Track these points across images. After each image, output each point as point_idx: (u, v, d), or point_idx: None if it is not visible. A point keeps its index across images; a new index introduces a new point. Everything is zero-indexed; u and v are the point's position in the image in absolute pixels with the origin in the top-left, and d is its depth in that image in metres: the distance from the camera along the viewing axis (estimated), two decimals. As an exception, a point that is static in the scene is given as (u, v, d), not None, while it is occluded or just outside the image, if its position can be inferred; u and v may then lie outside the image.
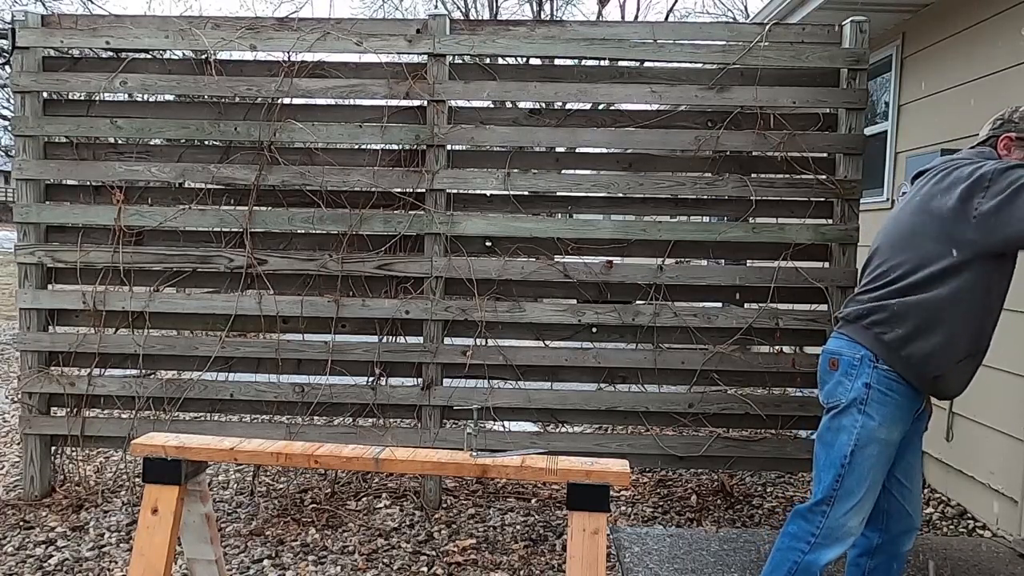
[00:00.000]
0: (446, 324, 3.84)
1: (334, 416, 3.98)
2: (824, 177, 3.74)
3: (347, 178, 3.83)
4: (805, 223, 3.78)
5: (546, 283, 3.85)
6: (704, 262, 4.34)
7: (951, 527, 3.91)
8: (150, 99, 5.47)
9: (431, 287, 3.81)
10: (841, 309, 2.46)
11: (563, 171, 3.96)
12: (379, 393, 3.85)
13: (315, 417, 3.90)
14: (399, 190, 3.85)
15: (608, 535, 3.47)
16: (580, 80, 3.83)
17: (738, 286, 3.83)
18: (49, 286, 3.96)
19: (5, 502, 3.91)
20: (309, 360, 3.88)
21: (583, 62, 3.96)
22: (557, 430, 4.42)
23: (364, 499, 4.03)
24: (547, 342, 3.87)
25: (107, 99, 4.01)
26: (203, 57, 3.87)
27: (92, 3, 11.60)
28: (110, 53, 3.95)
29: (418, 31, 3.79)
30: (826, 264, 3.79)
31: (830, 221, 3.78)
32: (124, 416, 4.11)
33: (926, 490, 4.36)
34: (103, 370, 3.93)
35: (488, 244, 3.84)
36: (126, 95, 5.00)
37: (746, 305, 3.98)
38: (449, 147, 3.83)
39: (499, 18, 22.14)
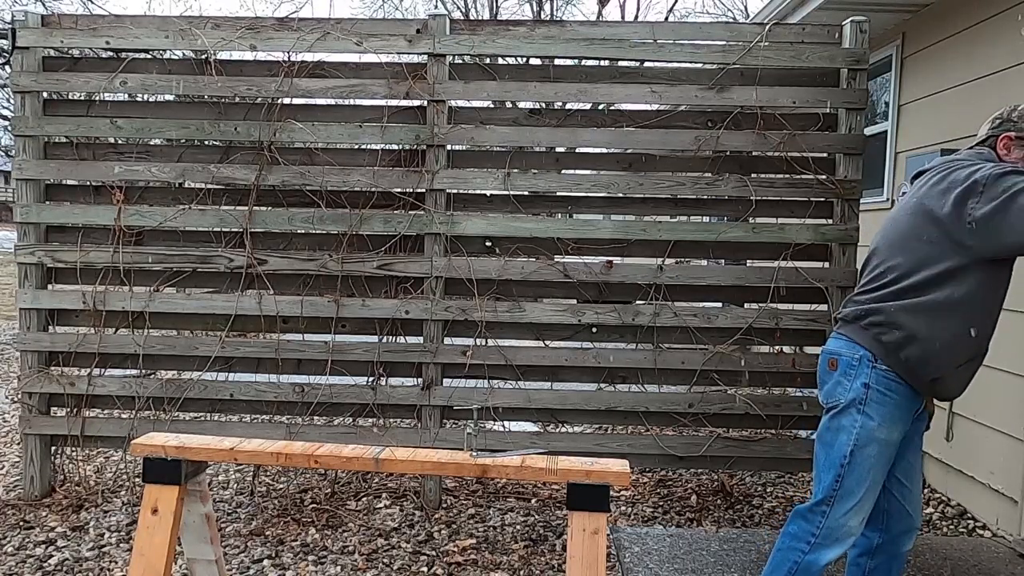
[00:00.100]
0: (446, 324, 3.84)
1: (334, 416, 3.98)
2: (824, 177, 3.74)
3: (347, 178, 3.83)
4: (805, 223, 3.78)
5: (546, 283, 3.85)
6: (704, 262, 4.33)
7: (951, 527, 3.91)
8: (150, 99, 5.47)
9: (431, 287, 3.81)
10: (840, 309, 2.46)
11: (563, 171, 3.96)
12: (379, 393, 3.85)
13: (315, 417, 3.90)
14: (399, 190, 3.85)
15: (608, 535, 3.47)
16: (580, 80, 3.83)
17: (738, 286, 3.83)
18: (49, 286, 3.96)
19: (5, 502, 3.91)
20: (309, 360, 3.88)
21: (583, 62, 3.96)
22: (557, 430, 4.43)
23: (364, 499, 4.03)
24: (547, 342, 3.87)
25: (107, 99, 4.00)
26: (203, 57, 3.87)
27: (92, 3, 11.61)
28: (110, 53, 3.96)
29: (418, 31, 3.79)
30: (826, 264, 3.79)
31: (830, 221, 3.78)
32: (124, 416, 4.11)
33: (926, 490, 4.36)
34: (103, 370, 3.94)
35: (488, 244, 3.84)
36: (126, 95, 5.00)
37: (746, 305, 3.98)
38: (449, 147, 3.83)
39: (499, 18, 22.14)
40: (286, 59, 3.80)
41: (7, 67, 8.84)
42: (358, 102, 3.97)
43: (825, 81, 3.77)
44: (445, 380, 3.88)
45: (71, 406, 3.91)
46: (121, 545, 3.47)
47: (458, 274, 3.79)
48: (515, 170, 3.82)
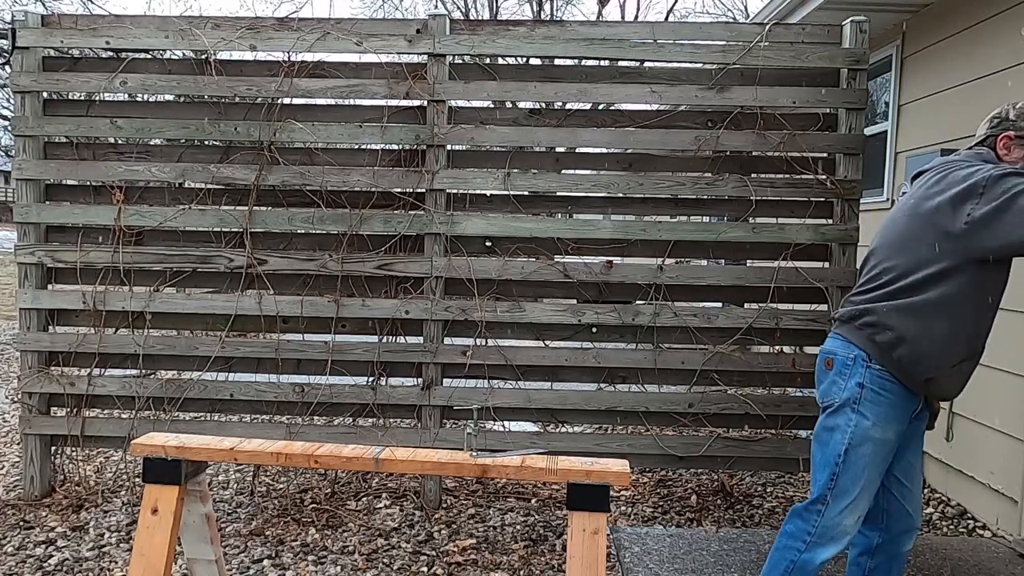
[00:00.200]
0: (446, 324, 3.84)
1: (334, 416, 3.98)
2: (824, 177, 3.74)
3: (347, 178, 3.83)
4: (805, 223, 3.78)
5: (546, 283, 3.85)
6: (704, 262, 4.34)
7: (951, 527, 3.91)
8: (150, 99, 5.47)
9: (431, 287, 3.81)
10: (837, 309, 2.46)
11: (563, 171, 3.96)
12: (379, 393, 3.85)
13: (315, 417, 3.90)
14: (399, 190, 3.85)
15: (608, 535, 3.47)
16: (580, 80, 3.83)
17: (738, 286, 3.83)
18: (49, 286, 3.96)
19: (5, 502, 3.91)
20: (309, 360, 3.88)
21: (583, 62, 3.96)
22: (557, 430, 4.42)
23: (364, 499, 4.03)
24: (547, 342, 3.87)
25: (107, 99, 4.01)
26: (203, 57, 3.87)
27: (92, 3, 11.61)
28: (110, 53, 3.96)
29: (418, 31, 3.79)
30: (826, 264, 3.79)
31: (830, 221, 3.78)
32: (124, 416, 4.11)
33: (926, 490, 4.36)
34: (103, 370, 3.94)
35: (488, 244, 3.84)
36: (126, 95, 5.00)
37: (746, 305, 3.98)
38: (449, 147, 3.83)
39: (499, 18, 22.14)
40: (286, 59, 3.80)
41: (7, 67, 8.84)
42: (358, 102, 3.97)
43: (825, 81, 3.77)
44: (445, 380, 3.88)
45: (71, 406, 3.91)
46: (121, 545, 3.47)
47: (458, 274, 3.79)
48: (515, 170, 3.82)
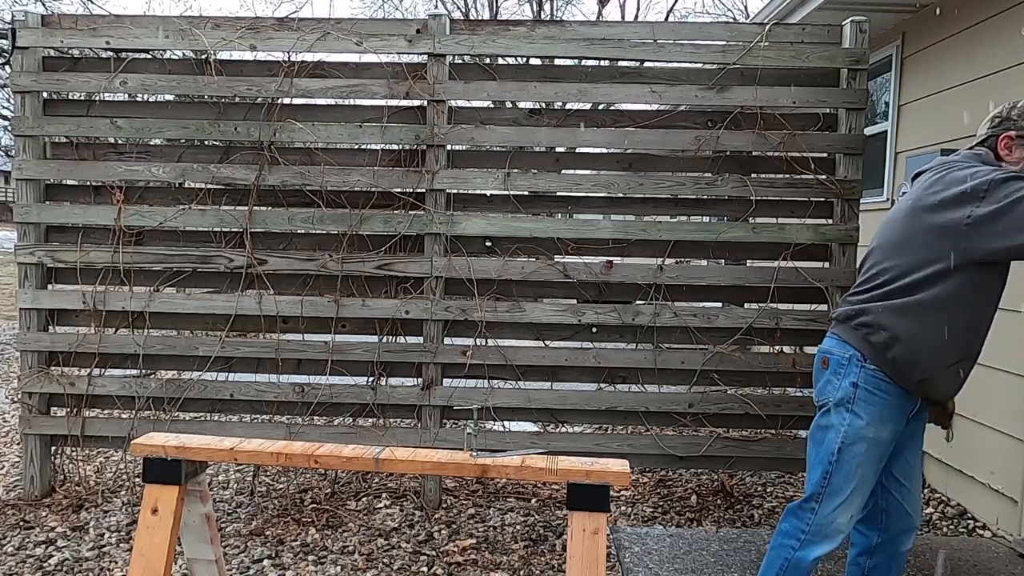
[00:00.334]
0: (446, 324, 3.84)
1: (334, 416, 3.98)
2: (824, 177, 3.74)
3: (347, 178, 3.83)
4: (805, 223, 3.78)
5: (546, 283, 3.85)
6: (704, 262, 4.34)
7: (951, 527, 3.91)
8: (150, 99, 5.46)
9: (431, 287, 3.81)
10: (835, 309, 2.46)
11: (563, 171, 3.96)
12: (379, 393, 3.85)
13: (315, 417, 3.90)
14: (399, 190, 3.85)
15: (608, 535, 3.47)
16: (580, 80, 3.83)
17: (738, 286, 3.83)
18: (49, 286, 3.96)
19: (5, 502, 3.91)
20: (309, 360, 3.88)
21: (583, 62, 3.96)
22: (557, 430, 4.43)
23: (364, 499, 4.03)
24: (547, 342, 3.87)
25: (107, 99, 4.01)
26: (203, 57, 3.87)
27: (92, 3, 11.60)
28: (110, 53, 3.95)
29: (418, 31, 3.79)
30: (826, 264, 3.79)
31: (830, 221, 3.78)
32: (124, 416, 4.10)
33: (926, 490, 4.36)
34: (103, 370, 3.94)
35: (488, 244, 3.84)
36: (126, 95, 5.00)
37: (746, 305, 3.98)
38: (449, 147, 3.83)
39: (499, 18, 22.14)
40: (286, 59, 3.80)
41: (7, 67, 8.84)
42: (358, 102, 3.97)
43: (825, 81, 3.77)
44: (445, 380, 3.88)
45: (71, 406, 3.91)
46: (121, 545, 3.47)
47: (458, 274, 3.79)
48: (515, 170, 3.82)
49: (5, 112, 13.25)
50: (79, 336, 3.89)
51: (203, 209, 3.88)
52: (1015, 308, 3.58)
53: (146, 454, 2.20)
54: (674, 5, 28.39)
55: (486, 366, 3.83)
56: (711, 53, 3.76)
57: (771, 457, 3.80)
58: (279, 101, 3.83)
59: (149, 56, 5.50)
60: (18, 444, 4.62)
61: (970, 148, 2.35)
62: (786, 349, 3.84)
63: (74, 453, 4.11)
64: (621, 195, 3.85)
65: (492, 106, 4.24)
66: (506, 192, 3.82)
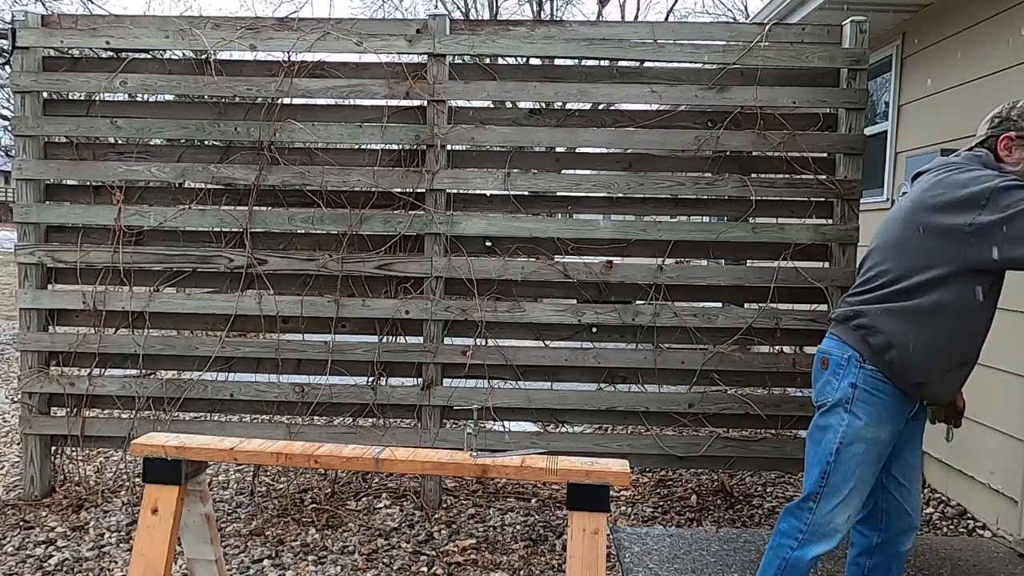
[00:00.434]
0: (446, 324, 3.84)
1: (334, 416, 3.98)
2: (824, 177, 3.74)
3: (347, 178, 3.83)
4: (805, 223, 3.78)
5: (546, 283, 3.85)
6: (704, 262, 4.34)
7: (951, 527, 3.91)
8: (150, 99, 5.47)
9: (431, 287, 3.81)
10: (834, 309, 2.46)
11: (563, 171, 3.96)
12: (379, 393, 3.85)
13: (315, 417, 3.90)
14: (399, 190, 3.85)
15: (608, 535, 3.47)
16: (580, 80, 3.83)
17: (738, 286, 3.83)
18: (49, 286, 3.96)
19: (5, 502, 3.91)
20: (309, 360, 3.88)
21: (583, 62, 3.96)
22: (557, 430, 4.43)
23: (364, 499, 4.03)
24: (547, 342, 3.87)
25: (107, 99, 4.00)
26: (203, 57, 3.87)
27: (92, 3, 11.60)
28: (110, 53, 3.96)
29: (418, 31, 3.79)
30: (826, 264, 3.79)
31: (830, 221, 3.78)
32: (124, 416, 4.11)
33: (926, 490, 4.36)
34: (103, 370, 3.94)
35: (488, 244, 3.84)
36: (126, 95, 5.00)
37: (746, 305, 3.98)
38: (449, 147, 3.83)
39: (499, 18, 22.14)
40: (286, 59, 3.80)
41: (7, 67, 8.84)
42: (358, 102, 3.97)
43: (825, 81, 3.77)
44: (445, 380, 3.88)
45: (71, 406, 3.91)
46: (121, 545, 3.47)
47: (458, 274, 3.79)
48: (515, 170, 3.82)
49: (5, 112, 13.25)
50: (79, 336, 3.89)
51: (203, 209, 3.88)
52: (1015, 308, 3.58)
53: (146, 454, 2.20)
54: (674, 5, 28.40)
55: (486, 366, 3.83)
56: (711, 53, 3.76)
57: (771, 457, 3.80)
58: (279, 101, 3.83)
59: (149, 56, 5.50)
60: (18, 444, 4.62)
61: (969, 149, 2.33)
62: (786, 349, 3.84)
63: (74, 453, 4.11)
64: (621, 195, 3.84)
65: (492, 106, 4.24)
66: (506, 192, 3.82)
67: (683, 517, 3.95)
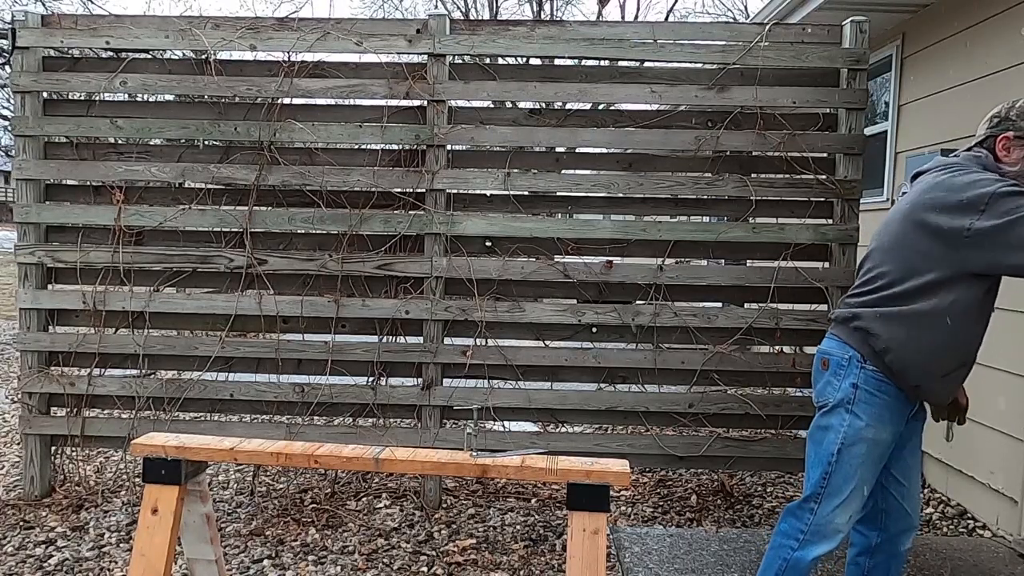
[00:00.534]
0: (446, 324, 3.84)
1: (334, 416, 3.98)
2: (824, 177, 3.74)
3: (347, 178, 3.83)
4: (805, 223, 3.78)
5: (546, 283, 3.85)
6: (704, 262, 4.34)
7: (951, 527, 3.91)
8: (150, 99, 5.47)
9: (431, 287, 3.81)
10: (834, 310, 2.46)
11: (563, 171, 3.96)
12: (379, 393, 3.85)
13: (315, 417, 3.90)
14: (399, 190, 3.85)
15: (608, 535, 3.47)
16: (580, 80, 3.83)
17: (738, 286, 3.83)
18: (49, 286, 3.96)
19: (5, 502, 3.91)
20: (309, 360, 3.88)
21: (583, 62, 3.96)
22: (557, 430, 4.43)
23: (364, 499, 4.03)
24: (547, 342, 3.87)
25: (107, 99, 4.00)
26: (203, 57, 3.87)
27: (92, 3, 11.60)
28: (110, 53, 3.96)
29: (418, 31, 3.79)
30: (826, 264, 3.79)
31: (830, 221, 3.78)
32: (124, 416, 4.10)
33: (926, 490, 4.36)
34: (103, 370, 3.94)
35: (488, 244, 3.84)
36: (126, 95, 5.00)
37: (746, 305, 3.98)
38: (449, 147, 3.83)
39: (499, 18, 22.14)
40: (286, 59, 3.80)
41: (7, 67, 8.84)
42: (358, 102, 3.97)
43: (825, 81, 3.77)
44: (445, 380, 3.88)
45: (71, 406, 3.91)
46: (121, 545, 3.47)
47: (458, 274, 3.79)
48: (515, 170, 3.82)
49: (5, 112, 13.24)
50: (79, 336, 3.90)
51: (203, 209, 3.88)
52: (1015, 308, 3.58)
53: (146, 454, 2.20)
54: (674, 5, 28.40)
55: (486, 366, 3.83)
56: (711, 53, 3.76)
57: (771, 457, 3.80)
58: (279, 101, 3.83)
59: (149, 56, 5.51)
60: (18, 444, 4.62)
61: (968, 149, 2.32)
62: (786, 349, 3.84)
63: (74, 453, 4.11)
64: (621, 195, 3.85)
65: (492, 106, 4.24)
66: (506, 192, 3.82)
67: (683, 517, 3.95)
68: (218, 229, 3.90)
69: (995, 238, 2.07)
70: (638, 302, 3.84)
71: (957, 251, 2.13)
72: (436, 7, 21.29)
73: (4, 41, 8.72)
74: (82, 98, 4.25)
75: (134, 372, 3.93)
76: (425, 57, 3.81)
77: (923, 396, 2.31)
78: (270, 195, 3.96)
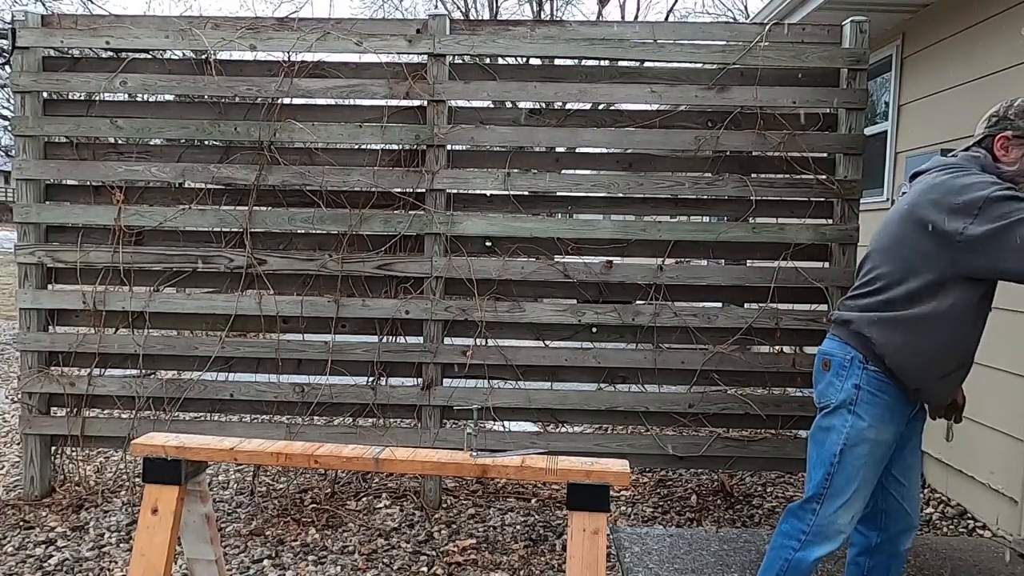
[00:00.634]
0: (446, 324, 3.84)
1: (334, 416, 3.98)
2: (824, 177, 3.74)
3: (347, 178, 3.83)
4: (805, 223, 3.78)
5: (546, 283, 3.85)
6: (704, 262, 4.34)
7: (951, 527, 3.91)
8: (150, 99, 5.46)
9: (431, 287, 3.81)
10: (834, 311, 2.46)
11: (563, 171, 3.96)
12: (379, 393, 3.85)
13: (315, 417, 3.90)
14: (399, 190, 3.85)
15: (608, 535, 3.47)
16: (580, 80, 3.83)
17: (738, 286, 3.83)
18: (49, 286, 3.96)
19: (5, 502, 3.91)
20: (309, 360, 3.88)
21: (583, 62, 3.96)
22: (557, 430, 4.43)
23: (364, 499, 4.03)
24: (547, 342, 3.87)
25: (107, 99, 4.00)
26: (203, 57, 3.87)
27: (92, 3, 11.60)
28: (110, 53, 3.96)
29: (418, 31, 3.79)
30: (826, 264, 3.79)
31: (830, 221, 3.78)
32: (124, 416, 4.11)
33: (926, 490, 4.36)
34: (103, 370, 3.94)
35: (488, 244, 3.84)
36: (126, 95, 5.00)
37: (746, 305, 3.98)
38: (449, 147, 3.83)
39: (499, 18, 22.14)
40: (286, 59, 3.80)
41: (7, 67, 8.84)
42: (358, 102, 3.97)
43: (825, 81, 3.77)
44: (445, 380, 3.88)
45: (71, 406, 3.91)
46: (121, 545, 3.47)
47: (458, 274, 3.79)
48: (515, 170, 3.82)
49: (5, 112, 13.25)
50: (79, 336, 3.90)
51: (203, 209, 3.88)
52: (1015, 308, 3.58)
53: (146, 454, 2.20)
54: (674, 5, 28.40)
55: (486, 366, 3.83)
56: (711, 53, 3.76)
57: (771, 457, 3.80)
58: (279, 101, 3.83)
59: (149, 56, 5.51)
60: (18, 444, 4.62)
61: (966, 149, 2.32)
62: (786, 349, 3.84)
63: (74, 453, 4.11)
64: (621, 195, 3.84)
65: (492, 106, 4.24)
66: (506, 192, 3.82)
67: (683, 517, 3.95)
68: (218, 229, 3.90)
69: (987, 243, 2.06)
70: (638, 302, 3.84)
71: (952, 254, 2.12)
72: (436, 7, 21.29)
73: (4, 41, 8.72)
74: (82, 98, 4.25)
75: (134, 372, 3.93)
76: (425, 57, 3.81)
77: (923, 398, 2.31)
78: (270, 195, 3.96)
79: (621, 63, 3.86)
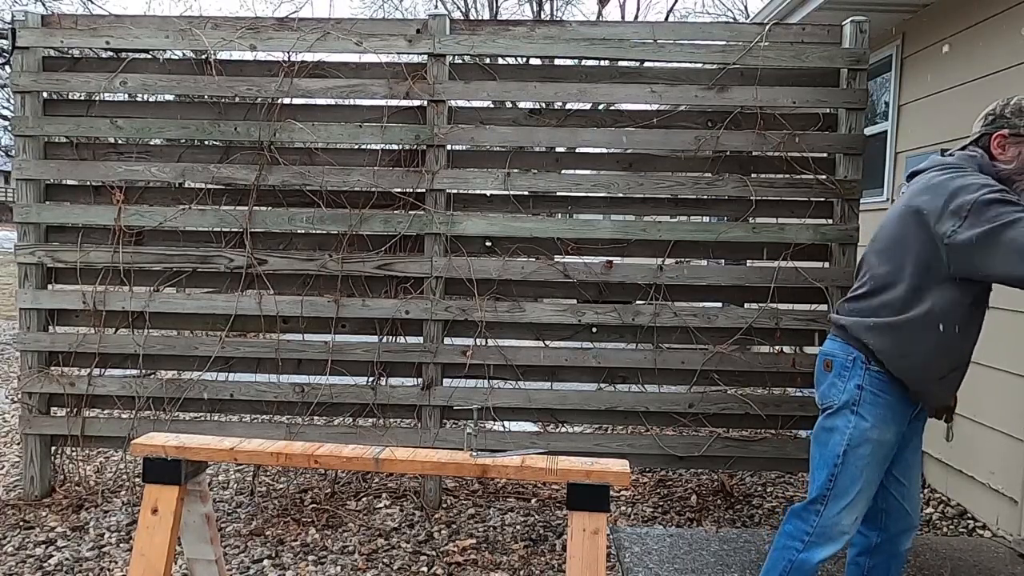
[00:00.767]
0: (446, 324, 3.84)
1: (334, 416, 3.98)
2: (824, 177, 3.74)
3: (347, 178, 3.83)
4: (805, 223, 3.78)
5: (546, 283, 3.85)
6: (704, 262, 4.34)
7: (951, 527, 3.91)
8: (150, 99, 5.46)
9: (431, 287, 3.81)
10: (835, 311, 2.47)
11: (563, 171, 3.96)
12: (379, 393, 3.85)
13: (315, 417, 3.90)
14: (399, 190, 3.85)
15: (608, 535, 3.47)
16: (580, 80, 3.83)
17: (738, 286, 3.83)
18: (49, 286, 3.96)
19: (5, 502, 3.91)
20: (309, 360, 3.88)
21: (583, 62, 3.96)
22: (557, 430, 4.43)
23: (364, 499, 4.03)
24: (547, 342, 3.87)
25: (107, 99, 4.00)
26: (203, 57, 3.87)
27: (92, 3, 11.59)
28: (110, 53, 3.96)
29: (418, 31, 3.79)
30: (826, 264, 3.79)
31: (830, 221, 3.78)
32: (124, 416, 4.11)
33: (926, 490, 4.36)
34: (103, 370, 3.94)
35: (488, 244, 3.84)
36: (126, 95, 5.00)
37: (746, 305, 3.98)
38: (449, 147, 3.83)
39: (499, 18, 22.14)
40: (286, 59, 3.80)
41: (7, 67, 8.84)
42: (358, 102, 3.97)
43: (825, 81, 3.77)
44: (445, 380, 3.88)
45: (71, 406, 3.91)
46: (121, 545, 3.47)
47: (458, 274, 3.79)
48: (515, 170, 3.82)
49: (5, 112, 13.24)
50: (79, 336, 3.90)
51: (203, 209, 3.88)
52: (1015, 308, 3.58)
53: (146, 454, 2.20)
54: (674, 5, 28.40)
55: (486, 366, 3.83)
56: (711, 53, 3.76)
57: (771, 457, 3.80)
58: (279, 101, 3.83)
59: (149, 56, 5.51)
60: (18, 444, 4.62)
61: (963, 148, 2.32)
62: (786, 349, 3.84)
63: (74, 453, 4.11)
64: (621, 195, 3.85)
65: (492, 106, 4.24)
66: (506, 192, 3.82)
67: (683, 517, 3.95)
68: (218, 229, 3.90)
69: (974, 246, 2.06)
70: (638, 302, 3.84)
71: (943, 256, 2.13)
72: (436, 7, 21.30)
73: (4, 41, 8.72)
74: (82, 98, 4.25)
75: (134, 372, 3.93)
76: (425, 57, 3.81)
77: (922, 399, 2.31)
78: (270, 195, 3.96)
79: (621, 63, 3.86)
